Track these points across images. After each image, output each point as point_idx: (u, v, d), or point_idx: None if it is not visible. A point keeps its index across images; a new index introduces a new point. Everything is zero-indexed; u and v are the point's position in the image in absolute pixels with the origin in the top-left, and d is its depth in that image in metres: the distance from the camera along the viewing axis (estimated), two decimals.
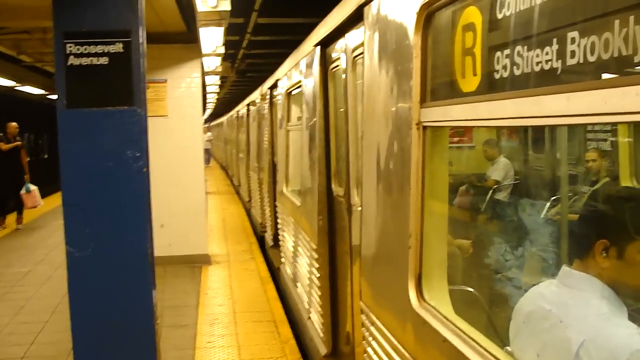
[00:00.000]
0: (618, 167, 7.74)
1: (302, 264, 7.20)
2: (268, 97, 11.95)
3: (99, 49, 4.66)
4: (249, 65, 19.47)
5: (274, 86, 10.99)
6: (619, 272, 2.24)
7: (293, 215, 8.13)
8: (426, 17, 2.98)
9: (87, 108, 4.68)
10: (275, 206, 10.90)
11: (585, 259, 2.31)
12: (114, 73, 4.69)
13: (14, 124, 14.71)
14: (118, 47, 4.69)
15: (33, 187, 14.53)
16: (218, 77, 19.40)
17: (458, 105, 2.62)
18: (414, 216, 3.11)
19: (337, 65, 5.48)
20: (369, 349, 3.97)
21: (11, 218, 15.28)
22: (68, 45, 4.64)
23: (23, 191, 14.45)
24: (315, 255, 6.22)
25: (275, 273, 10.67)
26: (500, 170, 9.37)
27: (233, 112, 26.71)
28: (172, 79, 10.96)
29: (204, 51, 11.59)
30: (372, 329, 3.89)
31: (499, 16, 2.31)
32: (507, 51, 2.23)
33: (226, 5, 7.81)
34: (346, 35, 5.06)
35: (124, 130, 4.72)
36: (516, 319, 2.54)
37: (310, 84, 6.50)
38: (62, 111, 4.65)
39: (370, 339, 3.95)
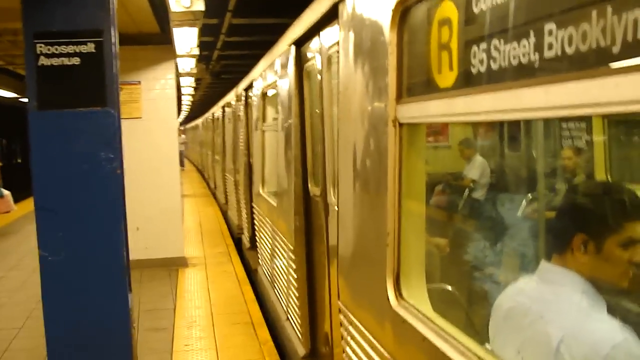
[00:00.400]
0: (593, 165, 7.80)
1: (280, 265, 7.15)
2: (243, 98, 11.88)
3: (70, 49, 4.59)
4: (223, 67, 19.34)
5: (249, 87, 10.93)
6: (597, 266, 2.22)
7: (270, 216, 8.08)
8: (402, 13, 2.95)
9: (59, 109, 4.60)
10: (252, 207, 10.83)
11: (563, 253, 2.29)
12: (86, 73, 4.62)
13: None
14: (90, 47, 4.62)
15: (6, 192, 14.36)
16: (193, 79, 19.26)
17: (435, 101, 2.59)
18: (392, 214, 3.08)
19: (313, 65, 5.44)
20: (348, 349, 3.94)
21: None
22: (38, 45, 4.57)
23: None
24: (292, 256, 6.18)
25: (252, 275, 10.62)
26: (477, 169, 9.39)
27: (208, 114, 26.59)
28: (146, 80, 10.86)
29: (178, 52, 11.50)
30: (351, 328, 3.86)
31: (475, 10, 2.29)
32: (483, 45, 2.21)
33: (200, 5, 7.74)
34: (321, 33, 5.02)
35: (97, 132, 4.65)
36: (496, 316, 2.52)
37: (286, 84, 6.46)
38: (33, 113, 4.57)
39: (348, 338, 3.92)
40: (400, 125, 3.01)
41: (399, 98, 3.01)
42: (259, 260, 9.55)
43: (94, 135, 4.62)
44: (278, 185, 7.37)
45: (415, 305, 2.94)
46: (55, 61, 4.59)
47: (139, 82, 10.83)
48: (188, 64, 14.03)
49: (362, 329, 3.60)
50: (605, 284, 2.27)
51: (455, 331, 2.60)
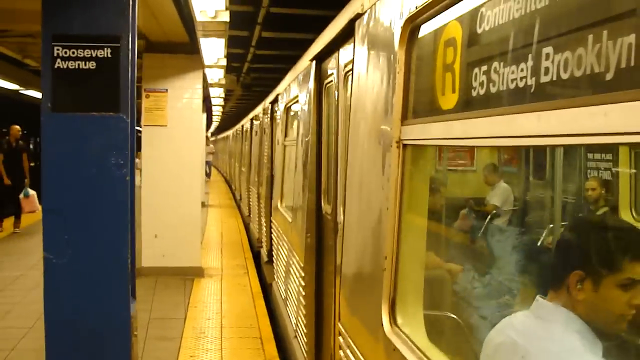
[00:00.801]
0: (618, 197, 7.63)
1: (292, 282, 7.07)
2: (269, 111, 11.86)
3: (87, 53, 4.56)
4: (254, 80, 19.40)
5: (274, 100, 10.91)
6: (594, 306, 2.10)
7: (285, 231, 8.01)
8: (410, 32, 2.87)
9: (72, 112, 4.57)
10: (270, 221, 10.78)
11: (559, 290, 2.17)
12: (101, 78, 4.58)
13: (17, 127, 14.65)
14: (106, 53, 4.58)
15: (32, 192, 14.44)
16: (222, 89, 19.32)
17: (435, 123, 2.51)
18: (390, 237, 2.99)
19: (331, 81, 5.38)
20: None
21: (9, 222, 15.21)
22: (56, 47, 4.54)
23: (22, 195, 14.38)
24: (302, 274, 6.09)
25: (267, 289, 10.54)
26: (500, 195, 9.22)
27: (238, 126, 26.68)
28: (173, 88, 10.88)
29: (206, 62, 11.51)
30: (348, 351, 3.76)
31: (478, 30, 2.20)
32: (484, 67, 2.12)
33: (225, 17, 7.74)
34: (340, 50, 4.96)
35: (108, 137, 4.60)
36: (485, 350, 2.40)
37: (306, 99, 6.41)
38: (46, 114, 4.54)
39: None
40: (404, 146, 2.92)
41: (404, 119, 2.92)
42: (275, 275, 9.48)
43: (105, 141, 4.56)
44: (294, 201, 7.30)
45: (408, 332, 2.84)
46: (71, 64, 4.56)
47: (166, 90, 10.85)
48: (216, 75, 14.03)
49: (358, 353, 3.50)
50: (602, 325, 2.14)
51: None
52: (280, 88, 10.03)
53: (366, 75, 3.63)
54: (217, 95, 20.85)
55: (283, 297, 8.08)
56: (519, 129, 1.78)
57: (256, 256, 13.47)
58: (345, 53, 4.76)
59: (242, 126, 22.48)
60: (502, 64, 1.98)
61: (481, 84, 2.13)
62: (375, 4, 3.49)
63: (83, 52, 4.57)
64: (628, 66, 1.36)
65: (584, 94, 1.51)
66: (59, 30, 4.57)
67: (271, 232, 10.51)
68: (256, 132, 15.19)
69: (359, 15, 3.87)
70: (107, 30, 4.59)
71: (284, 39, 12.54)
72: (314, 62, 5.94)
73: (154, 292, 9.86)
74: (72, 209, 4.61)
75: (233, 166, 29.32)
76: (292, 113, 8.50)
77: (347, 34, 4.46)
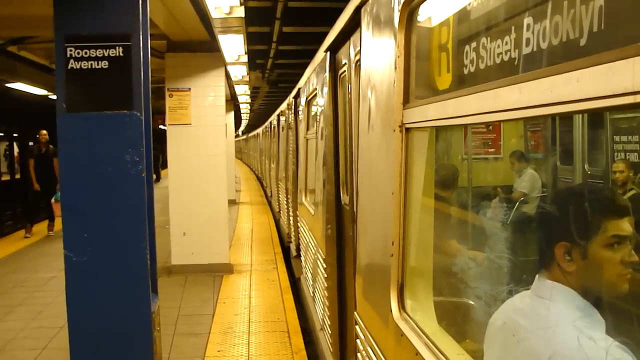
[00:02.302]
0: None
1: (317, 274, 7.06)
2: (293, 106, 11.86)
3: (99, 52, 4.58)
4: (280, 76, 19.41)
5: (297, 95, 10.91)
6: (589, 274, 2.03)
7: (309, 224, 8.01)
8: (409, 14, 2.83)
9: (86, 112, 4.60)
10: (296, 215, 10.79)
11: (551, 267, 2.11)
12: (113, 77, 4.60)
13: (44, 132, 14.84)
14: (118, 51, 4.60)
15: None
16: (247, 86, 19.34)
17: (432, 104, 2.47)
18: (396, 223, 2.96)
19: (344, 71, 5.35)
20: None
21: (42, 226, 15.43)
22: (69, 48, 4.57)
23: (53, 200, 14.56)
24: (324, 265, 6.08)
25: (297, 283, 10.55)
26: (527, 182, 9.11)
27: (266, 123, 26.76)
28: (196, 87, 10.91)
29: (227, 60, 11.52)
30: (364, 340, 3.73)
31: (467, 7, 2.16)
32: (473, 44, 2.08)
33: (240, 12, 7.73)
34: (351, 39, 4.93)
35: (122, 135, 4.61)
36: (489, 332, 2.36)
37: (322, 91, 6.40)
38: (61, 115, 4.58)
39: (362, 350, 3.80)
40: (407, 130, 2.88)
41: (406, 102, 2.88)
42: (302, 269, 9.48)
43: (120, 138, 4.58)
44: (315, 193, 7.29)
45: (416, 318, 2.80)
46: (84, 64, 4.58)
47: (189, 89, 10.88)
48: (239, 71, 14.04)
49: (372, 341, 3.48)
50: (604, 292, 2.08)
51: (454, 348, 2.47)
52: (301, 82, 10.02)
53: (372, 62, 3.60)
54: (243, 93, 20.88)
55: (310, 290, 8.07)
56: (504, 102, 1.74)
57: (286, 251, 13.49)
58: (355, 42, 4.73)
59: (270, 123, 22.55)
60: (488, 38, 1.94)
61: (471, 62, 2.09)
62: None
63: (95, 52, 4.59)
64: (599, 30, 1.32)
65: (559, 62, 1.47)
66: (71, 32, 4.60)
67: (298, 227, 10.52)
68: (282, 127, 15.22)
69: (363, 3, 3.84)
70: (118, 29, 4.60)
71: (305, 33, 12.51)
72: (328, 53, 5.91)
73: (184, 289, 9.91)
74: (89, 207, 4.64)
75: (263, 163, 29.41)
76: (312, 106, 8.48)
77: (356, 23, 4.43)
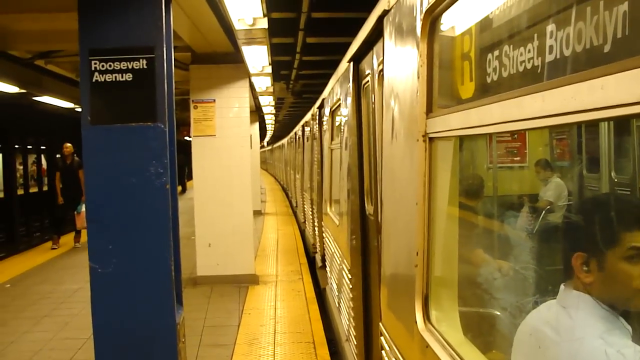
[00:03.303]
0: None
1: (342, 285, 7.04)
2: (317, 116, 11.88)
3: (123, 65, 4.62)
4: (304, 86, 19.47)
5: (321, 105, 10.92)
6: (608, 286, 1.99)
7: (334, 235, 8.00)
8: (431, 23, 2.82)
9: (110, 124, 4.63)
10: (322, 226, 10.78)
11: (572, 276, 2.08)
12: (137, 89, 4.63)
13: (68, 144, 15.00)
14: (142, 64, 4.63)
15: (84, 209, 14.73)
16: (272, 97, 19.41)
17: (455, 113, 2.45)
18: (420, 233, 2.94)
19: (368, 81, 5.35)
20: None
21: (69, 237, 15.58)
22: (93, 62, 4.62)
23: (75, 212, 14.69)
24: (349, 276, 6.06)
25: (322, 294, 10.53)
26: (553, 190, 9.01)
27: (291, 134, 26.83)
28: (220, 98, 10.97)
29: (251, 71, 11.57)
30: (389, 351, 3.71)
31: (490, 15, 2.14)
32: (496, 52, 2.06)
33: (264, 24, 7.76)
34: (374, 48, 4.92)
35: (146, 146, 4.64)
36: (516, 341, 2.33)
37: (346, 101, 6.40)
38: (86, 127, 4.62)
39: None
40: (430, 139, 2.86)
41: (429, 111, 2.87)
42: (328, 279, 9.47)
43: (144, 150, 4.61)
44: (340, 204, 7.29)
45: (441, 330, 2.78)
46: (108, 77, 4.62)
47: (214, 101, 10.94)
48: (264, 83, 14.10)
49: (397, 353, 3.45)
50: (623, 304, 2.03)
51: None
52: (325, 92, 10.04)
53: (395, 71, 3.59)
54: (268, 104, 20.96)
55: (335, 301, 8.06)
56: (527, 110, 1.72)
57: (312, 262, 13.48)
58: (378, 51, 4.72)
59: (295, 133, 22.60)
60: (512, 46, 1.92)
61: (494, 70, 2.08)
62: None
63: (119, 65, 4.63)
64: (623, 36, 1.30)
65: (582, 69, 1.45)
66: (95, 45, 4.64)
67: (323, 237, 10.51)
68: (307, 138, 15.25)
69: (386, 12, 3.84)
70: (142, 41, 4.64)
71: (329, 43, 12.53)
72: (352, 63, 5.91)
73: (209, 300, 9.93)
74: (114, 219, 4.67)
75: (288, 174, 29.48)
76: (336, 116, 8.49)
77: (378, 32, 4.43)
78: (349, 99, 6.07)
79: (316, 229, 12.36)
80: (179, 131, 25.05)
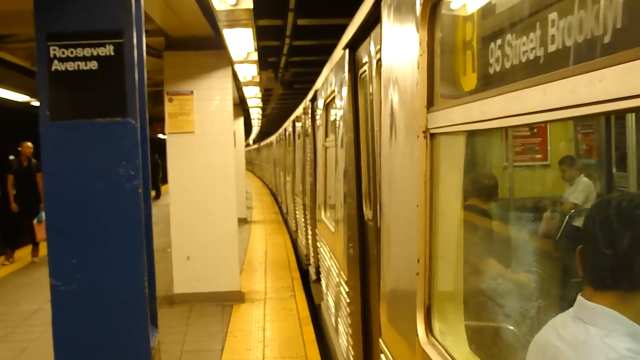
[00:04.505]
0: None
1: (339, 299, 7.15)
2: (309, 110, 11.95)
3: (87, 51, 4.65)
4: (294, 75, 19.55)
5: (314, 98, 11.01)
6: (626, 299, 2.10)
7: (329, 243, 8.11)
8: (431, 8, 2.93)
9: (73, 120, 4.69)
10: (315, 234, 10.88)
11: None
12: (104, 79, 4.67)
13: (28, 143, 14.98)
14: (108, 50, 4.68)
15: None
16: (258, 89, 19.47)
17: (457, 107, 2.57)
18: (422, 238, 3.05)
19: (365, 71, 5.45)
20: None
21: (25, 251, 15.62)
22: (52, 47, 4.65)
23: (35, 221, 14.70)
24: (346, 289, 6.17)
25: (317, 311, 10.63)
26: (580, 192, 9.11)
27: (280, 130, 26.87)
28: (199, 90, 11.06)
29: (234, 58, 11.63)
30: None
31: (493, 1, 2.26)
32: (499, 41, 2.18)
33: (248, 3, 7.82)
34: (371, 34, 5.03)
35: (115, 145, 4.69)
36: (530, 355, 2.44)
37: (342, 93, 6.50)
38: (44, 124, 4.65)
39: None
40: (432, 135, 2.98)
41: (430, 105, 2.98)
42: (324, 294, 9.58)
43: (112, 149, 4.65)
44: (336, 208, 7.39)
45: (445, 343, 2.90)
46: (70, 65, 4.65)
47: (191, 92, 11.00)
48: (249, 72, 14.13)
49: None
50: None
51: None
52: (318, 83, 10.13)
53: (393, 60, 3.71)
54: (254, 96, 21.01)
55: (332, 319, 8.16)
56: (529, 104, 1.84)
57: (305, 275, 13.57)
58: (376, 38, 4.83)
59: (285, 130, 22.64)
60: (514, 34, 2.05)
61: (497, 60, 2.20)
62: None
63: (82, 51, 4.66)
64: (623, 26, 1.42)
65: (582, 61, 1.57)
66: (54, 28, 4.66)
67: (317, 247, 10.62)
68: (298, 135, 15.27)
69: None
70: (108, 24, 4.67)
71: (323, 25, 12.57)
72: (347, 50, 6.02)
73: (188, 321, 10.04)
74: (78, 229, 4.70)
75: (277, 176, 29.50)
76: (331, 110, 8.58)
77: (376, 16, 4.53)
78: (345, 91, 6.17)
79: (309, 237, 12.46)
80: (152, 128, 25.09)
